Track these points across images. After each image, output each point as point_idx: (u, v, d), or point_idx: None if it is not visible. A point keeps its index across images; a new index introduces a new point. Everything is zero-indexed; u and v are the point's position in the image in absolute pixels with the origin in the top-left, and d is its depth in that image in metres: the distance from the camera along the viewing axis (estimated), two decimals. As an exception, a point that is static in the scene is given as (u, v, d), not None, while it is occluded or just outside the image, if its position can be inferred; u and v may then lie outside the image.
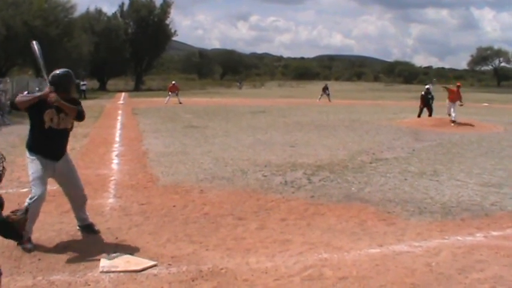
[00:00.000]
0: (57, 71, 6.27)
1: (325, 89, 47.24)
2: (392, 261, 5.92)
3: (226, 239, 6.62)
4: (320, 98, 45.53)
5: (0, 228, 3.75)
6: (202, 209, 8.03)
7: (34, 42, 6.49)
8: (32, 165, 6.17)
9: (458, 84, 24.57)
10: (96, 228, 6.80)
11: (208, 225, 7.21)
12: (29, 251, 5.93)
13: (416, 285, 5.26)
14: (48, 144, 6.16)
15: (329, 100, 44.44)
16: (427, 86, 27.69)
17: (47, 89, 5.98)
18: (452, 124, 22.15)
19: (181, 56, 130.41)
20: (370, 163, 12.37)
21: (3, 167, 4.00)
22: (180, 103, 35.79)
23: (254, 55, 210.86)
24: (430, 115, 25.95)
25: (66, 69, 6.42)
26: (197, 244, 6.37)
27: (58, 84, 6.11)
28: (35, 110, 6.03)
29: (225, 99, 44.29)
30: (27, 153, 6.30)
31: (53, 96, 5.88)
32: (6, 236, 3.93)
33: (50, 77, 6.17)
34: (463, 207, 8.52)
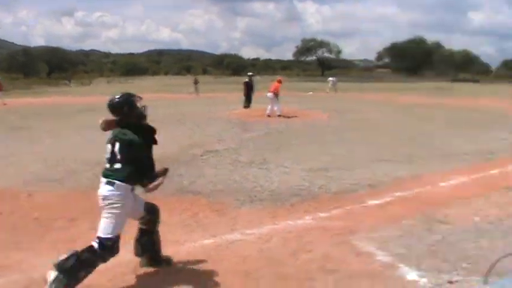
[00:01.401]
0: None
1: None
2: (226, 251, 6.09)
3: (58, 243, 6.41)
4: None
5: None
6: (32, 214, 7.71)
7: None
8: None
9: (279, 79, 25.24)
10: None
11: (38, 230, 6.95)
12: None
13: (249, 272, 5.44)
14: None
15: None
16: (250, 73, 28.77)
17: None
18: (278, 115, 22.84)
19: (4, 54, 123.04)
20: (201, 156, 12.53)
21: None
22: (5, 104, 33.76)
23: (81, 52, 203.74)
24: (249, 106, 26.91)
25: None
26: (27, 251, 6.13)
27: None
28: None
29: (52, 98, 42.39)
30: None
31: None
32: None
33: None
34: (291, 192, 8.91)
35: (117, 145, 5.08)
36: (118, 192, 4.95)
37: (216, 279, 5.29)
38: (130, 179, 5.03)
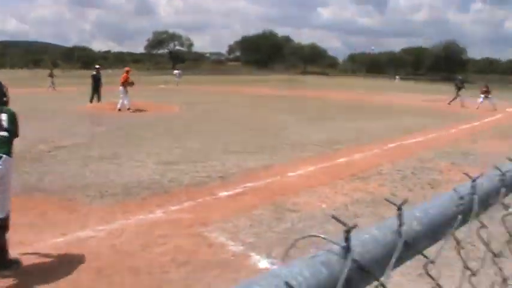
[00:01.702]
0: None
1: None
2: (78, 248, 5.95)
3: None
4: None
5: None
6: None
7: None
8: None
9: (127, 69, 24.97)
10: None
11: None
12: None
13: (102, 269, 5.38)
14: None
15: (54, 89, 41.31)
16: (97, 66, 28.42)
17: None
18: (130, 110, 22.59)
19: None
20: (49, 152, 12.07)
21: None
22: None
23: None
24: (99, 100, 26.46)
25: None
26: None
27: None
28: None
29: None
30: None
31: None
32: None
33: None
34: (143, 186, 8.88)
35: (3, 116, 5.32)
36: (5, 167, 4.88)
37: (68, 277, 5.17)
38: (12, 154, 5.15)
